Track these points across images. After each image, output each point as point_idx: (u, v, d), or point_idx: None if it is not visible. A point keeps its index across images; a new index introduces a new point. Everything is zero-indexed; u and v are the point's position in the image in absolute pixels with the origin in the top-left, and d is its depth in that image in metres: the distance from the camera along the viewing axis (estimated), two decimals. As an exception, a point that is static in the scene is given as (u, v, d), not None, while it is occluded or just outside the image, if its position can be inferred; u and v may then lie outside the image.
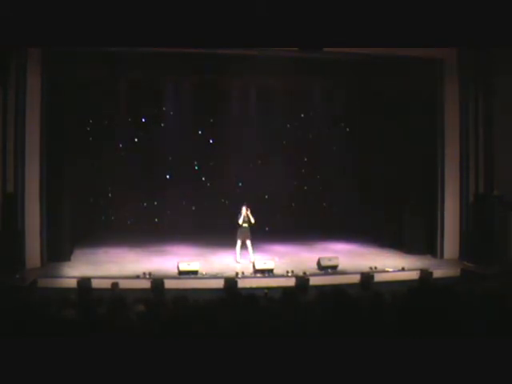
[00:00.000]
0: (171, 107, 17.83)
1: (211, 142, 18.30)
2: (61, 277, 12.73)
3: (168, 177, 18.18)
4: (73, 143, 15.00)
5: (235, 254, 14.37)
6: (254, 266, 13.18)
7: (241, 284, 11.96)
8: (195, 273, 12.82)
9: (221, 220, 17.28)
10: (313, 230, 17.76)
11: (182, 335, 4.07)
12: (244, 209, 14.38)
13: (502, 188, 14.44)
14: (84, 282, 11.64)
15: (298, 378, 3.68)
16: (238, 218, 14.36)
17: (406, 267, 13.70)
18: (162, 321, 4.72)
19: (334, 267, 13.43)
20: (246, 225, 14.31)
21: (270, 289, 10.02)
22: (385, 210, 16.87)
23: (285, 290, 6.97)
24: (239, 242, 14.33)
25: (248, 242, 14.33)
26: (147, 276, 12.52)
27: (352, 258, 14.84)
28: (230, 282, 11.93)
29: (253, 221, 14.24)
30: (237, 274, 12.77)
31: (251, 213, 14.37)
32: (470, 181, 14.76)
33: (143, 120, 17.82)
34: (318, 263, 13.53)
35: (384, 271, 13.41)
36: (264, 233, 16.38)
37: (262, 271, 13.00)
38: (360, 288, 11.66)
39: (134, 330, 4.57)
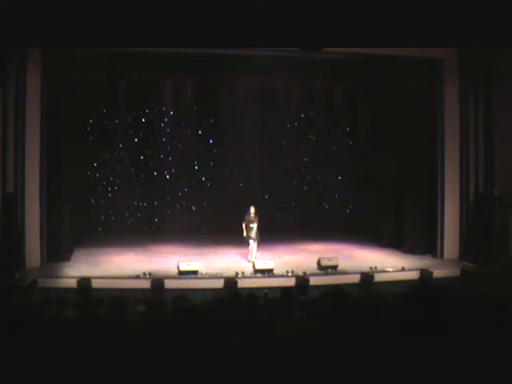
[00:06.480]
0: (171, 107, 17.82)
1: (211, 142, 18.30)
2: (61, 277, 12.74)
3: (168, 177, 18.18)
4: (73, 143, 15.00)
5: (249, 253, 14.39)
6: (254, 266, 13.19)
7: (241, 284, 11.97)
8: (195, 273, 12.82)
9: (221, 220, 17.27)
10: (313, 229, 17.75)
11: (181, 335, 4.07)
12: (252, 209, 14.41)
13: (502, 188, 14.45)
14: (84, 282, 11.66)
15: (299, 378, 3.68)
16: (245, 219, 14.38)
17: (406, 267, 13.70)
18: (162, 321, 4.72)
19: (334, 267, 13.43)
20: (253, 225, 14.33)
21: (270, 289, 10.02)
22: (385, 209, 16.87)
23: (283, 289, 6.97)
24: (251, 242, 14.35)
25: (254, 242, 14.38)
26: (147, 276, 12.53)
27: (352, 258, 14.85)
28: (230, 282, 11.94)
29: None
30: (237, 273, 12.78)
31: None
32: (470, 181, 14.76)
33: (143, 120, 17.83)
34: (318, 263, 13.54)
35: (384, 271, 13.41)
36: (264, 232, 16.37)
37: (262, 271, 13.01)
38: (360, 288, 11.69)
39: (134, 330, 4.57)
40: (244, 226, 14.37)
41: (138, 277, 12.54)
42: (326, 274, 13.17)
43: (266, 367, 3.70)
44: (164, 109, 17.81)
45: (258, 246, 14.46)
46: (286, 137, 18.65)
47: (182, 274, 12.77)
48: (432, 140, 15.34)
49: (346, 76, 16.10)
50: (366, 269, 13.33)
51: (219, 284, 11.88)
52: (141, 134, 17.84)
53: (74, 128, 15.21)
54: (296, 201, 18.79)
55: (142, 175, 17.90)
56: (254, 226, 14.34)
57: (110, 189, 17.85)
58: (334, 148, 18.83)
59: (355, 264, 14.06)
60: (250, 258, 14.23)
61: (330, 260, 13.55)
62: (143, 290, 11.37)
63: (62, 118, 14.25)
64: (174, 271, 12.92)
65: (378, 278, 12.79)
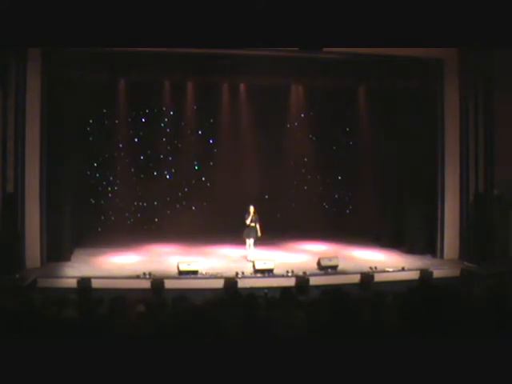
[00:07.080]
0: (171, 107, 17.84)
1: (211, 142, 18.32)
2: (61, 277, 12.74)
3: (168, 177, 18.19)
4: (73, 143, 15.00)
5: (247, 252, 14.43)
6: (254, 266, 13.20)
7: (241, 284, 11.97)
8: (195, 273, 12.82)
9: (221, 220, 17.28)
10: (313, 229, 17.75)
11: (181, 335, 4.06)
12: (252, 208, 14.44)
13: (502, 188, 14.45)
14: (84, 282, 11.66)
15: (299, 378, 3.68)
16: (245, 218, 14.41)
17: (406, 267, 13.71)
18: (162, 321, 4.72)
19: (334, 267, 13.43)
20: (253, 224, 14.36)
21: (270, 289, 10.03)
22: (385, 209, 16.88)
23: (283, 289, 6.98)
24: (248, 241, 14.39)
25: (252, 241, 14.40)
26: (147, 276, 12.53)
27: (352, 258, 14.85)
28: (230, 282, 11.94)
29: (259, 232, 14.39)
30: (237, 273, 12.78)
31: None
32: (470, 181, 14.76)
33: (143, 120, 17.84)
34: (318, 263, 13.54)
35: (384, 271, 13.41)
36: (264, 232, 16.37)
37: (262, 271, 13.01)
38: (360, 288, 11.69)
39: (134, 330, 4.57)
40: (246, 224, 14.40)
41: (138, 277, 12.55)
42: (326, 273, 13.17)
43: (265, 367, 3.69)
44: (164, 109, 17.83)
45: (255, 244, 14.48)
46: (286, 137, 18.67)
47: (182, 274, 12.77)
48: (432, 140, 15.34)
49: (345, 76, 16.12)
50: (365, 269, 13.34)
51: (219, 284, 11.88)
52: (141, 133, 17.85)
53: (74, 128, 15.21)
54: (296, 201, 18.80)
55: (141, 175, 17.92)
56: (253, 225, 14.37)
57: (109, 189, 17.86)
58: (334, 148, 18.85)
59: (355, 264, 14.06)
60: (249, 258, 14.25)
61: (330, 260, 13.56)
62: (143, 290, 11.38)
63: (62, 118, 14.25)
64: (174, 271, 12.92)
65: (378, 278, 12.79)
